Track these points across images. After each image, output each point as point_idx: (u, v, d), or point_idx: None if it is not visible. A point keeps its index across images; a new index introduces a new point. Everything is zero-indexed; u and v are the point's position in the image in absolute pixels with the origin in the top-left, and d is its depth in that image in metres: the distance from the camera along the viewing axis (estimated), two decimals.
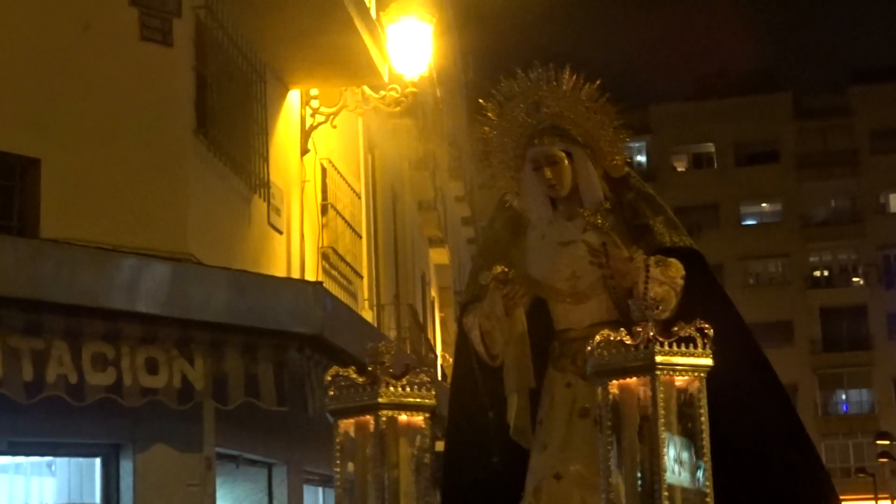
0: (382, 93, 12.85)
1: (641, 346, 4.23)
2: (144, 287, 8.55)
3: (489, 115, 5.36)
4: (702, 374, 4.26)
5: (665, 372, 4.21)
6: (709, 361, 4.25)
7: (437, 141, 23.16)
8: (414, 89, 12.93)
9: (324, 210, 13.19)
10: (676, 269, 4.99)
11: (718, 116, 59.87)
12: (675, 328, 4.24)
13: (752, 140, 60.73)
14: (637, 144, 62.10)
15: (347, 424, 4.82)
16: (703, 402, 4.24)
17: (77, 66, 9.15)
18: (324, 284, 10.68)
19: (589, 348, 4.34)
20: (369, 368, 4.76)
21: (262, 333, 8.89)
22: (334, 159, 13.67)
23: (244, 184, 10.90)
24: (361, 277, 14.78)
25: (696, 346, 4.23)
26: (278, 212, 11.78)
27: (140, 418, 8.65)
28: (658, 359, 4.19)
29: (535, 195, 5.28)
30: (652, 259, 4.94)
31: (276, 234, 11.78)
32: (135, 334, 8.41)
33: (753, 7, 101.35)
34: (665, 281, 4.92)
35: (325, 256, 13.08)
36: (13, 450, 8.55)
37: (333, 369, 4.86)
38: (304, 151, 12.67)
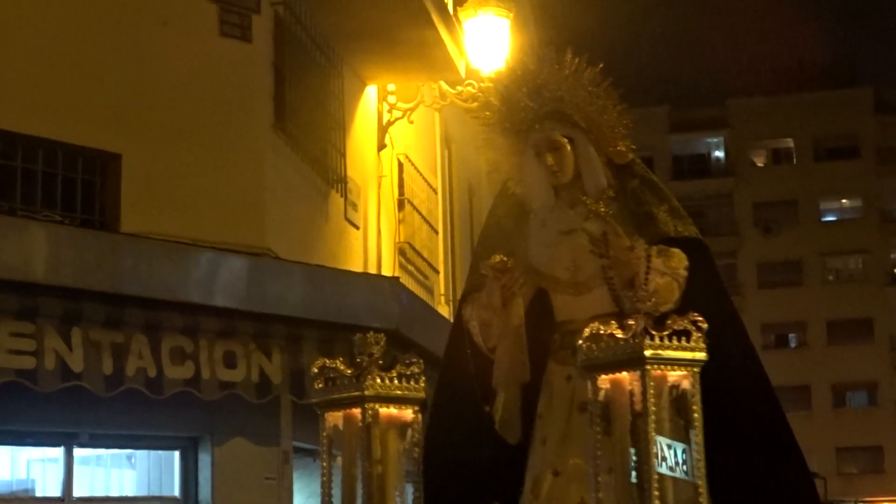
0: (459, 88, 12.82)
1: (631, 340, 4.05)
2: (222, 281, 8.62)
3: (491, 99, 5.27)
4: (695, 370, 4.08)
5: (656, 366, 4.02)
6: (703, 356, 4.07)
7: None
8: (490, 84, 12.89)
9: (400, 205, 13.20)
10: (679, 259, 4.83)
11: (797, 111, 59.23)
12: (669, 321, 4.07)
13: (831, 135, 60.00)
14: (715, 139, 61.63)
15: (335, 417, 4.67)
16: (697, 397, 4.07)
17: (157, 61, 9.23)
18: (400, 279, 10.71)
19: (580, 341, 4.18)
20: (357, 360, 4.61)
21: (339, 328, 8.91)
22: (411, 154, 13.68)
23: (321, 179, 10.94)
24: (438, 273, 14.78)
25: (689, 340, 4.05)
26: (355, 207, 11.81)
27: (218, 411, 8.71)
28: (648, 352, 4.00)
29: (537, 182, 5.11)
30: (654, 249, 4.80)
31: (353, 230, 11.80)
32: (213, 328, 8.48)
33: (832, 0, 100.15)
34: (667, 272, 4.77)
35: (401, 252, 13.09)
36: (94, 442, 8.64)
37: (320, 361, 4.73)
38: (381, 146, 12.69)
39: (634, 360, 4.03)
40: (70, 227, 8.30)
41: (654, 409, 3.98)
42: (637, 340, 4.02)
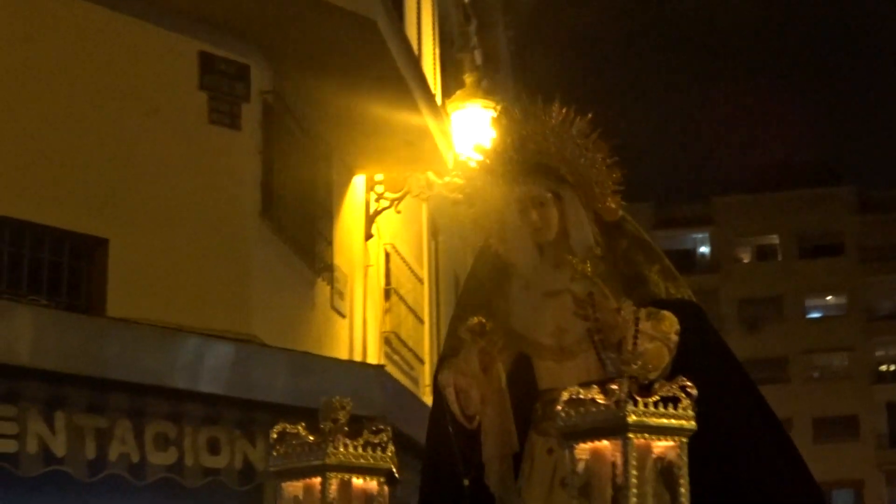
0: (447, 178, 12.90)
1: (613, 405, 3.73)
2: (208, 367, 8.60)
3: (474, 151, 4.89)
4: (683, 439, 3.78)
5: (639, 435, 3.71)
6: (691, 425, 3.77)
7: None
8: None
9: (387, 295, 13.22)
10: (670, 323, 4.51)
11: (782, 208, 59.64)
12: (657, 386, 3.79)
13: (816, 232, 60.36)
14: (700, 235, 61.91)
15: (295, 487, 4.31)
16: (685, 469, 3.77)
17: (145, 147, 9.28)
18: (386, 368, 10.68)
19: (558, 407, 3.85)
20: (321, 426, 4.29)
21: None
22: (398, 244, 13.72)
23: (308, 267, 10.96)
24: (423, 363, 14.76)
25: (676, 407, 3.76)
26: (341, 295, 11.82)
27: (201, 499, 8.64)
28: (631, 419, 3.68)
29: (521, 239, 4.76)
30: (643, 311, 4.44)
31: (339, 318, 11.80)
32: (197, 414, 8.45)
33: (816, 99, 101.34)
34: (656, 336, 4.44)
35: (387, 341, 13.08)
36: None
37: (280, 426, 4.39)
38: (368, 236, 12.73)
39: (616, 428, 3.72)
40: (55, 310, 8.29)
41: (635, 481, 3.69)
42: (619, 406, 3.71)
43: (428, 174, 13.19)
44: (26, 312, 7.81)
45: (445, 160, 12.64)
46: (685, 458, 3.78)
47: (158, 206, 9.28)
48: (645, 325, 4.38)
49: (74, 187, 8.84)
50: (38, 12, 8.89)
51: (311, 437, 4.29)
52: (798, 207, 59.42)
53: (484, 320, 4.58)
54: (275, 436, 4.36)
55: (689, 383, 3.79)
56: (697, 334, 4.65)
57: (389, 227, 13.43)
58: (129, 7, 9.29)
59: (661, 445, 3.78)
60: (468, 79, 13.35)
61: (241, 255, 9.69)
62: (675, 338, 4.50)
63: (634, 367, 3.88)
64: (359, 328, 12.32)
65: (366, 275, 12.68)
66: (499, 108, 12.84)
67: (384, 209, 12.84)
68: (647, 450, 3.77)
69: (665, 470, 3.80)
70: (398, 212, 13.21)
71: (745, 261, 62.16)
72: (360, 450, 4.27)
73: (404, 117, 11.48)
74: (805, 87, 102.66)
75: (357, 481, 4.27)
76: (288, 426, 4.36)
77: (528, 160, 4.73)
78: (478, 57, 20.25)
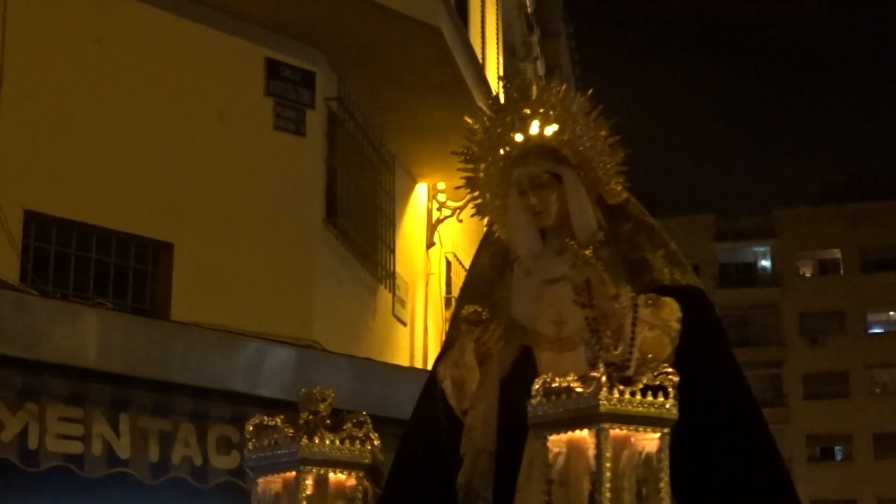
0: None
1: (587, 394, 3.44)
2: (269, 372, 8.63)
3: (475, 128, 4.55)
4: (664, 430, 3.49)
5: (615, 426, 3.44)
6: (672, 415, 3.50)
7: None
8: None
9: (447, 303, 13.22)
10: (671, 310, 4.21)
11: (845, 221, 59.05)
12: (635, 375, 3.53)
13: (878, 246, 59.68)
14: (762, 248, 61.47)
15: (271, 482, 4.02)
16: (664, 463, 3.50)
17: (211, 153, 9.35)
18: None
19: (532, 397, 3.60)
20: (300, 420, 4.00)
21: (384, 421, 8.85)
22: (459, 253, 13.73)
23: (370, 274, 10.98)
24: None
25: (656, 396, 3.48)
26: (403, 303, 11.84)
27: None
28: (603, 409, 3.40)
29: (522, 225, 4.48)
30: (641, 298, 4.16)
31: (400, 326, 11.82)
32: None
33: (882, 110, 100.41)
34: (656, 324, 4.15)
35: None
36: None
37: (256, 418, 4.08)
38: (430, 244, 12.75)
39: (590, 418, 3.44)
40: (121, 313, 8.36)
41: (609, 474, 3.41)
42: (593, 395, 3.42)
43: None
44: (93, 315, 7.87)
45: None
46: (666, 451, 3.51)
47: (223, 211, 9.34)
48: (644, 313, 4.13)
49: (141, 191, 8.92)
50: (108, 17, 8.99)
51: (290, 431, 3.98)
52: (860, 221, 58.82)
53: (480, 309, 4.32)
54: (251, 428, 4.04)
55: (671, 371, 3.53)
56: (699, 323, 4.33)
57: (451, 235, 13.44)
58: (197, 13, 9.37)
59: (641, 437, 3.49)
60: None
61: (304, 261, 9.73)
62: (676, 325, 4.21)
63: (615, 353, 3.65)
64: (419, 336, 12.34)
65: (427, 283, 12.70)
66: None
67: (446, 218, 12.85)
68: (626, 441, 3.49)
69: (643, 463, 3.51)
70: (460, 220, 13.19)
71: (807, 274, 61.63)
72: (337, 443, 3.98)
73: (466, 123, 11.45)
74: (869, 99, 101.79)
75: (335, 476, 4.00)
76: (266, 418, 4.05)
77: (528, 141, 4.40)
78: (540, 67, 20.25)
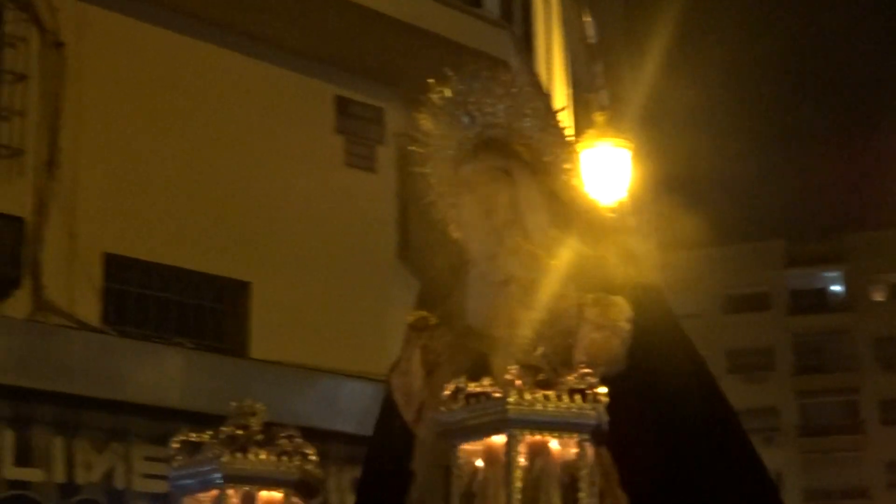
0: None
1: (493, 398, 3.14)
2: (346, 406, 8.67)
3: (423, 123, 4.20)
4: (584, 436, 3.20)
5: (526, 431, 3.14)
6: (591, 419, 3.20)
7: None
8: (612, 214, 12.92)
9: None
10: (619, 309, 3.90)
11: None
12: (542, 377, 3.22)
13: None
14: (833, 274, 60.89)
15: (198, 502, 3.73)
16: (585, 472, 3.20)
17: (284, 191, 9.44)
18: None
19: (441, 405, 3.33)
20: (224, 434, 3.71)
21: None
22: None
23: None
24: None
25: (574, 399, 3.18)
26: None
27: None
28: (512, 413, 3.11)
29: (474, 224, 4.15)
30: (589, 297, 3.87)
31: None
32: (340, 454, 8.52)
33: None
34: (604, 324, 3.85)
35: None
36: None
37: (182, 434, 3.77)
38: None
39: (497, 424, 3.14)
40: (203, 352, 8.45)
41: (519, 483, 3.11)
42: (499, 399, 3.13)
43: None
44: (175, 355, 7.98)
45: None
46: (586, 459, 3.22)
47: (298, 249, 9.42)
48: (591, 313, 3.84)
49: (217, 232, 9.01)
50: (180, 61, 9.12)
51: (215, 447, 3.68)
52: None
53: (427, 314, 4.04)
54: (176, 445, 3.75)
55: (589, 370, 3.28)
56: (652, 319, 4.00)
57: None
58: (267, 54, 9.49)
59: (561, 444, 3.20)
60: (598, 117, 13.32)
61: (378, 297, 9.77)
62: (624, 325, 3.89)
63: (535, 353, 3.42)
64: None
65: None
66: (632, 146, 12.80)
67: None
68: (542, 449, 3.19)
69: (564, 470, 3.21)
70: None
71: (880, 299, 60.93)
72: (262, 457, 3.70)
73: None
74: None
75: (267, 493, 3.71)
76: (192, 434, 3.77)
77: (477, 136, 4.11)
78: (605, 97, 20.26)
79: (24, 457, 7.65)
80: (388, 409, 4.17)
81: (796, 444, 53.82)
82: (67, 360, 7.58)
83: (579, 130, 13.64)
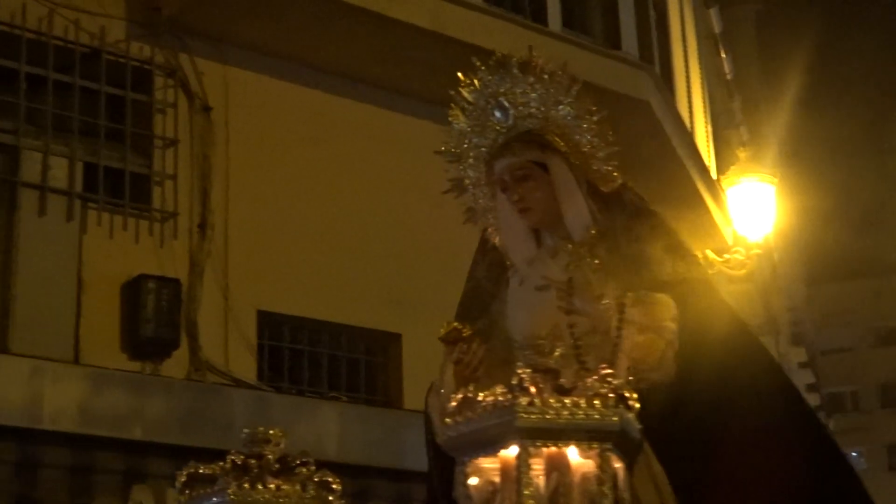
0: (726, 256, 12.71)
1: (503, 408, 2.80)
2: None
3: (453, 120, 3.95)
4: (606, 446, 2.82)
5: (540, 441, 2.79)
6: (614, 426, 2.82)
7: (777, 305, 22.74)
8: (759, 251, 12.75)
9: None
10: (664, 308, 3.56)
11: None
12: (562, 380, 2.91)
13: None
14: None
15: None
16: (609, 485, 2.81)
17: (430, 241, 9.46)
18: None
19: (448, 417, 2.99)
20: (228, 464, 3.52)
21: None
22: None
23: None
24: None
25: (593, 406, 2.81)
26: None
27: None
28: (520, 423, 2.77)
29: (513, 227, 3.89)
30: (630, 297, 3.54)
31: None
32: None
33: None
34: (648, 325, 3.52)
35: None
36: None
37: (191, 465, 3.56)
38: None
39: (507, 435, 2.81)
40: (358, 405, 8.49)
41: (532, 502, 2.78)
42: (509, 408, 2.79)
43: (707, 252, 13.02)
44: (330, 409, 8.03)
45: (724, 237, 12.47)
46: (610, 471, 2.85)
47: (445, 298, 9.34)
48: (632, 313, 3.52)
49: (366, 285, 9.07)
50: (323, 118, 9.23)
51: (229, 479, 3.49)
52: None
53: (459, 325, 3.71)
54: (183, 479, 3.55)
55: (609, 371, 2.91)
56: (704, 317, 3.63)
57: None
58: (404, 105, 9.55)
59: (580, 455, 2.86)
60: (742, 154, 13.15)
61: None
62: (670, 325, 3.54)
63: (553, 356, 3.22)
64: None
65: None
66: (776, 181, 12.63)
67: None
68: (559, 461, 2.85)
69: (582, 483, 2.87)
70: None
71: None
72: (273, 488, 3.49)
73: (680, 194, 11.39)
74: None
75: None
76: (202, 466, 3.56)
77: (512, 128, 3.83)
78: (744, 133, 20.03)
79: None
80: (428, 432, 3.94)
81: None
82: (227, 418, 7.67)
83: (721, 167, 13.50)
